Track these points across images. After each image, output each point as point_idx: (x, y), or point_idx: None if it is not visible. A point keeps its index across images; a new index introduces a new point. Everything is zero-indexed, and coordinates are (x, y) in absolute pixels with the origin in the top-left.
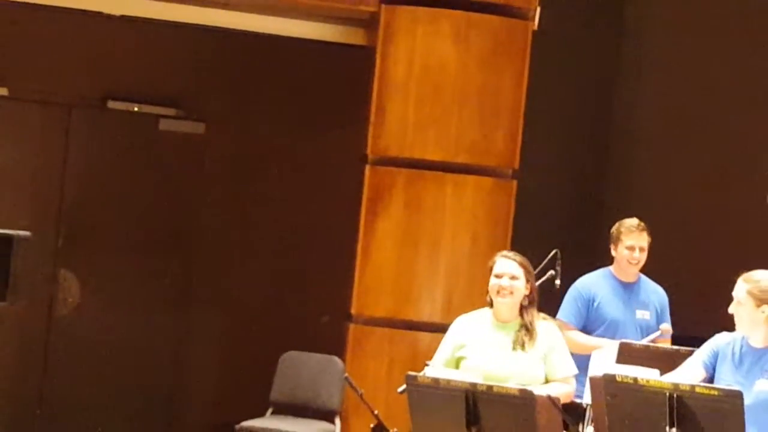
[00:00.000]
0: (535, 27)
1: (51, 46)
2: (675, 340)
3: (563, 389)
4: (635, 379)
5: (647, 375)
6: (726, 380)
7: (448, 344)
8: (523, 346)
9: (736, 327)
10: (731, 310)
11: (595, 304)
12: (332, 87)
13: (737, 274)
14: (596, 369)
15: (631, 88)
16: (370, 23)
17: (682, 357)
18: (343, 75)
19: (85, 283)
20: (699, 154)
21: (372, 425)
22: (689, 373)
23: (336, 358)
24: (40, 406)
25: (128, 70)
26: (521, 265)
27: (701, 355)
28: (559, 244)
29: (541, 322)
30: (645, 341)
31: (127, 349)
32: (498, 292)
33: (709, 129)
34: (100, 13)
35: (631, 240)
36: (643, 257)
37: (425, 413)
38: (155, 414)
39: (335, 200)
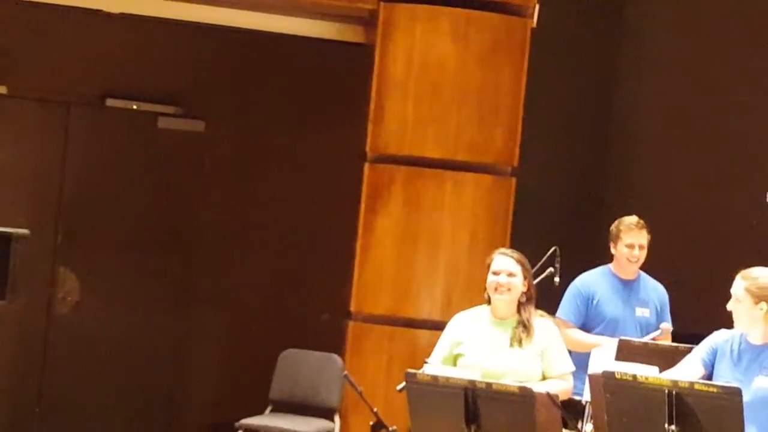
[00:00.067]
0: (534, 24)
1: (50, 43)
2: (674, 337)
3: (561, 386)
4: (634, 376)
5: (646, 372)
6: (725, 377)
7: (446, 341)
8: (520, 342)
9: (735, 324)
10: (729, 307)
11: (595, 302)
12: (331, 85)
13: (736, 272)
14: (596, 366)
15: (630, 85)
16: (369, 21)
17: (681, 354)
18: (342, 72)
19: (84, 281)
20: (698, 152)
21: (371, 423)
22: (688, 371)
23: (335, 356)
24: (39, 404)
25: (127, 68)
26: (519, 262)
27: (700, 352)
28: (559, 241)
29: (539, 319)
30: (645, 340)
31: (126, 347)
32: (495, 289)
33: (709, 126)
34: (99, 11)
35: (631, 238)
36: (642, 255)
37: (424, 411)
38: (155, 412)
39: (334, 198)
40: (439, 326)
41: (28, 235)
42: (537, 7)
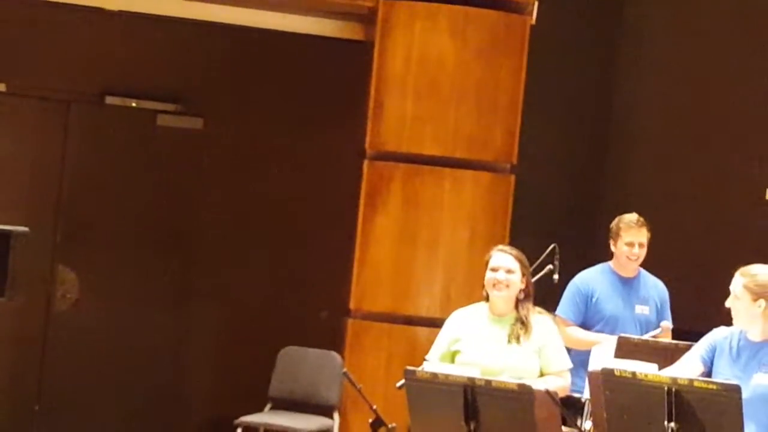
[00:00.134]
0: (533, 21)
1: (49, 41)
2: (674, 334)
3: (558, 383)
4: (633, 374)
5: (645, 369)
6: (724, 374)
7: (444, 338)
8: (518, 339)
9: (733, 321)
10: (728, 304)
11: (594, 300)
12: (330, 82)
13: (736, 269)
14: (596, 364)
15: (629, 82)
16: (368, 18)
17: (681, 351)
18: (341, 70)
19: (83, 278)
20: (697, 149)
21: (370, 420)
22: (687, 368)
23: (334, 354)
24: (38, 401)
25: (126, 66)
26: (517, 258)
27: (699, 349)
28: (557, 238)
29: (537, 316)
30: (645, 337)
31: (125, 345)
32: (494, 286)
33: (708, 124)
34: (98, 9)
35: (630, 236)
36: (642, 253)
37: (424, 408)
38: (154, 410)
39: (333, 195)
40: (438, 323)
41: (27, 232)
42: (536, 4)
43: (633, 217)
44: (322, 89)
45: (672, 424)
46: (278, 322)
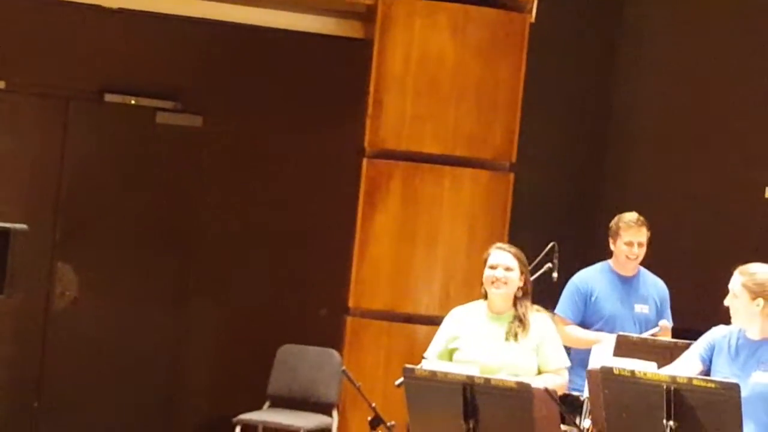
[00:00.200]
0: (533, 20)
1: (48, 38)
2: (674, 333)
3: (556, 381)
4: (633, 372)
5: (645, 368)
6: (722, 372)
7: (442, 336)
8: (515, 337)
9: (732, 320)
10: (727, 302)
11: (593, 299)
12: (329, 80)
13: (735, 268)
14: (596, 363)
15: (629, 81)
16: (367, 16)
17: (680, 350)
18: (341, 68)
19: (82, 276)
20: (697, 148)
21: (369, 418)
22: (686, 366)
23: (333, 351)
24: (37, 399)
25: (125, 63)
26: (516, 256)
27: (698, 348)
28: (557, 237)
29: (535, 314)
30: (644, 336)
31: (124, 343)
32: (492, 283)
33: (707, 123)
34: (97, 6)
35: (630, 236)
36: (641, 252)
37: (422, 406)
38: (153, 407)
39: (333, 193)
40: (437, 321)
41: (26, 230)
42: (535, 2)
43: (633, 216)
44: (321, 87)
45: (671, 423)
46: (277, 319)
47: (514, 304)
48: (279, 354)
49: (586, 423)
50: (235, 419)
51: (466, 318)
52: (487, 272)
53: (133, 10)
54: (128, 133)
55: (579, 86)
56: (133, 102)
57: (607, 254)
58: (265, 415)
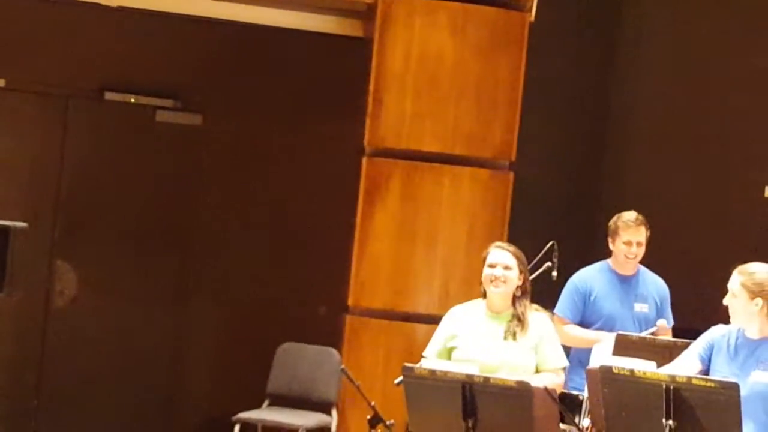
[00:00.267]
0: (533, 19)
1: (48, 37)
2: (673, 332)
3: (553, 380)
4: (632, 371)
5: (644, 367)
6: (721, 372)
7: (441, 335)
8: (514, 335)
9: (731, 319)
10: (726, 301)
11: (592, 298)
12: (329, 78)
13: (734, 267)
14: (597, 363)
15: (628, 79)
16: (367, 15)
17: (679, 349)
18: (340, 66)
19: (82, 274)
20: (696, 147)
21: (368, 417)
22: (685, 366)
23: (333, 350)
24: (37, 397)
25: (125, 62)
26: (515, 255)
27: (697, 347)
28: (556, 236)
29: (534, 313)
30: (643, 335)
31: (124, 341)
32: (491, 282)
33: (707, 123)
34: (97, 5)
35: (628, 235)
36: (640, 252)
37: (422, 405)
38: (152, 406)
39: (332, 192)
40: (436, 320)
41: (26, 228)
42: (535, 1)
43: (631, 215)
44: (321, 86)
45: (670, 422)
46: (277, 318)
47: (513, 303)
48: (278, 353)
49: (586, 422)
50: (234, 418)
51: (464, 317)
52: (486, 271)
53: (133, 9)
54: (128, 131)
55: (578, 85)
56: (132, 100)
57: (607, 253)
58: (265, 413)
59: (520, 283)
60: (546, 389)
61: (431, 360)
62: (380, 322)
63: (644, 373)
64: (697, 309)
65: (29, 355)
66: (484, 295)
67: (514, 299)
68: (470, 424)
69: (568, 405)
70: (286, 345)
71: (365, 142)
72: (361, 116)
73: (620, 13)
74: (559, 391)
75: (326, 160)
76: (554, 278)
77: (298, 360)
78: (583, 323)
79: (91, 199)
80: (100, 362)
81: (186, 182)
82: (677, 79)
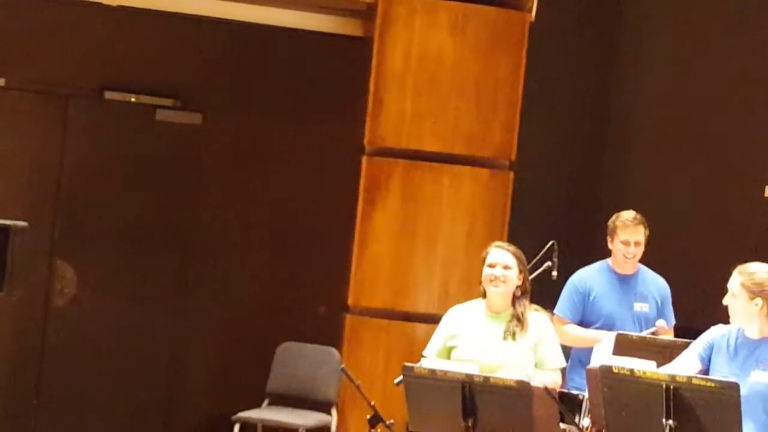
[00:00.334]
0: (533, 18)
1: (48, 36)
2: (674, 331)
3: (552, 378)
4: (632, 371)
5: (644, 367)
6: (721, 371)
7: (441, 334)
8: (513, 335)
9: (731, 319)
10: (725, 301)
11: (591, 298)
12: (329, 78)
13: (735, 267)
14: (597, 362)
15: (628, 79)
16: (367, 14)
17: (680, 349)
18: (340, 66)
19: (81, 273)
20: (696, 147)
21: (368, 416)
22: (685, 365)
23: (333, 349)
24: (37, 396)
25: (125, 61)
26: (514, 255)
27: (697, 347)
28: (556, 235)
29: (533, 313)
30: (643, 335)
31: (124, 340)
32: (491, 282)
33: (707, 121)
34: (97, 4)
35: (626, 235)
36: (639, 251)
37: (422, 404)
38: (153, 405)
39: (332, 191)
40: (436, 320)
41: (26, 227)
42: (535, 1)
43: (630, 215)
44: (321, 85)
45: (670, 422)
46: (276, 317)
47: (513, 303)
48: (278, 352)
49: (586, 422)
50: (234, 417)
51: (464, 316)
52: (486, 270)
53: (133, 8)
54: (128, 130)
55: (578, 85)
56: (132, 99)
57: (607, 253)
58: (265, 413)
59: (519, 282)
60: (546, 389)
61: (431, 359)
62: (380, 322)
63: (644, 373)
64: (697, 309)
65: (29, 355)
66: (484, 295)
67: (514, 299)
68: (470, 424)
69: (568, 404)
70: (286, 344)
71: (365, 142)
72: (361, 116)
73: (620, 13)
74: (556, 390)
75: (326, 160)
76: (554, 278)
77: (298, 359)
78: (583, 323)
79: (91, 198)
80: (100, 362)
81: (186, 181)
82: (677, 79)
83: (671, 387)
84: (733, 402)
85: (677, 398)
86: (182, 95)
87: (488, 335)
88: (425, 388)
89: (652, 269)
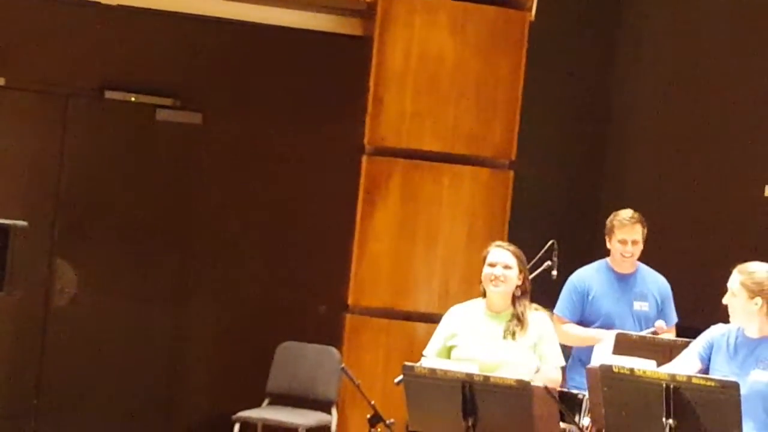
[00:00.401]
0: (533, 18)
1: (48, 35)
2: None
3: (552, 375)
4: (632, 370)
5: (644, 366)
6: (721, 370)
7: (441, 334)
8: (513, 335)
9: (730, 318)
10: (725, 301)
11: (590, 297)
12: (329, 77)
13: (734, 266)
14: (598, 362)
15: (628, 79)
16: (367, 13)
17: (679, 348)
18: (340, 65)
19: (81, 273)
20: (696, 147)
21: (368, 416)
22: (685, 365)
23: (333, 349)
24: (37, 396)
25: (125, 60)
26: (515, 255)
27: (696, 346)
28: (556, 234)
29: (533, 312)
30: (644, 333)
31: (124, 340)
32: (491, 281)
33: (707, 120)
34: (97, 3)
35: (623, 234)
36: (637, 250)
37: (422, 404)
38: (152, 404)
39: (332, 190)
40: (436, 319)
41: (26, 227)
42: (535, 0)
43: (627, 213)
44: (321, 85)
45: (670, 421)
46: (276, 317)
47: (513, 303)
48: (278, 351)
49: (586, 421)
50: (234, 417)
51: (464, 316)
52: (486, 270)
53: (133, 7)
54: (128, 130)
55: (578, 84)
56: (133, 99)
57: (607, 252)
58: (265, 412)
59: (520, 282)
60: (546, 388)
61: (431, 359)
62: (380, 321)
63: (644, 372)
64: (697, 308)
65: (29, 354)
66: (484, 295)
67: (514, 298)
68: (470, 423)
69: (569, 404)
70: (286, 344)
71: (365, 141)
72: (361, 115)
73: (620, 13)
74: (556, 389)
75: (326, 159)
76: (554, 277)
77: (298, 359)
78: (583, 322)
79: (91, 197)
80: (100, 361)
81: (186, 181)
82: (677, 79)
83: (671, 386)
84: (733, 401)
85: (677, 397)
86: (182, 95)
87: (488, 335)
88: (425, 388)
89: (653, 268)
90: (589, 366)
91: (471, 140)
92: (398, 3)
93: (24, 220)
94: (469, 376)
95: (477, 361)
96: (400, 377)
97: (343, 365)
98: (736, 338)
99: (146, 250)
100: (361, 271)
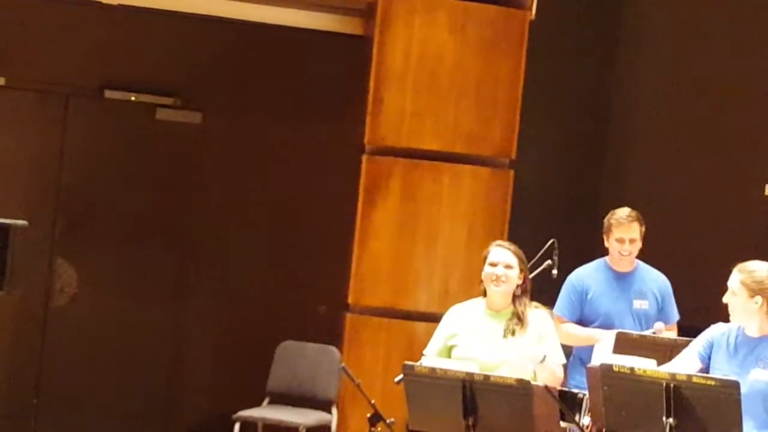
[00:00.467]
0: (533, 17)
1: (48, 35)
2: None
3: (553, 370)
4: (632, 369)
5: (644, 365)
6: (721, 369)
7: (441, 333)
8: (513, 334)
9: (730, 317)
10: (725, 299)
11: (589, 296)
12: (329, 76)
13: (734, 265)
14: (598, 361)
15: (628, 79)
16: (367, 13)
17: (680, 347)
18: (340, 65)
19: (81, 272)
20: (697, 146)
21: (369, 415)
22: (685, 364)
23: (333, 348)
24: (37, 395)
25: (125, 60)
26: (515, 254)
27: (697, 345)
28: (556, 233)
29: (534, 311)
30: (644, 333)
31: (123, 339)
32: (492, 281)
33: (707, 120)
34: (97, 2)
35: (621, 232)
36: (635, 248)
37: (422, 403)
38: (152, 404)
39: (332, 190)
40: (436, 318)
41: (26, 226)
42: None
43: (624, 212)
44: (321, 84)
45: (670, 420)
46: (276, 316)
47: (513, 302)
48: (278, 351)
49: (586, 420)
50: (234, 416)
51: (464, 315)
52: (487, 269)
53: (133, 7)
54: (128, 129)
55: (579, 84)
56: (133, 98)
57: (606, 251)
58: (265, 411)
59: (520, 281)
60: (546, 387)
61: (431, 358)
62: (380, 321)
63: (644, 372)
64: (697, 307)
65: (29, 353)
66: (484, 294)
67: (514, 298)
68: (470, 422)
69: (569, 403)
70: (286, 343)
71: (365, 141)
72: (361, 115)
73: (620, 13)
74: (557, 387)
75: (326, 158)
76: (554, 276)
77: (299, 358)
78: (582, 321)
79: (91, 197)
80: (100, 360)
81: (186, 180)
82: (677, 79)
83: (671, 385)
84: (734, 400)
85: (677, 397)
86: (182, 94)
87: (488, 334)
88: (425, 387)
89: (653, 266)
90: (589, 365)
91: (471, 140)
92: (398, 2)
93: (24, 219)
94: (470, 375)
95: (477, 361)
96: (400, 376)
97: (343, 364)
98: (737, 337)
99: (146, 248)
100: (361, 270)
